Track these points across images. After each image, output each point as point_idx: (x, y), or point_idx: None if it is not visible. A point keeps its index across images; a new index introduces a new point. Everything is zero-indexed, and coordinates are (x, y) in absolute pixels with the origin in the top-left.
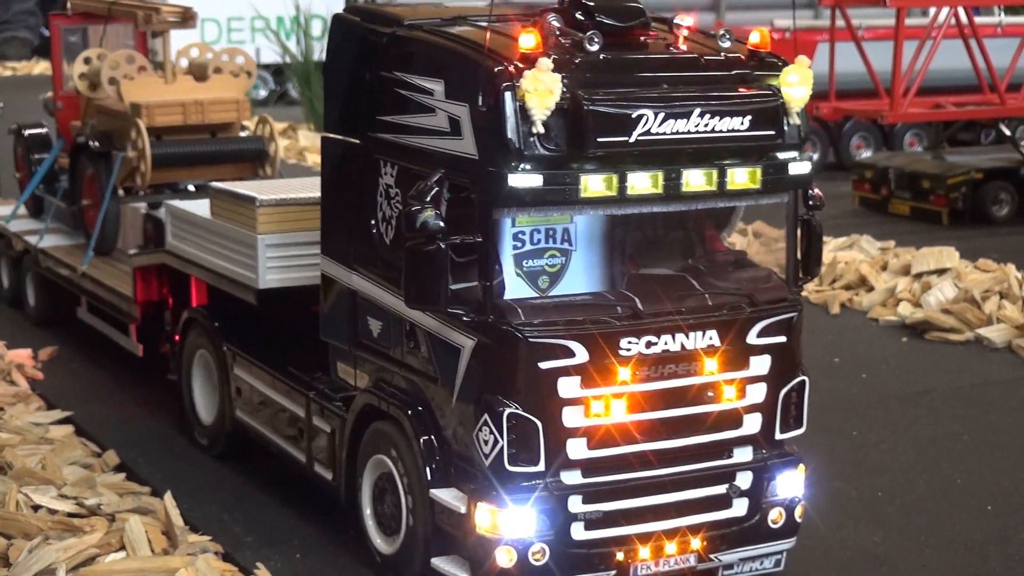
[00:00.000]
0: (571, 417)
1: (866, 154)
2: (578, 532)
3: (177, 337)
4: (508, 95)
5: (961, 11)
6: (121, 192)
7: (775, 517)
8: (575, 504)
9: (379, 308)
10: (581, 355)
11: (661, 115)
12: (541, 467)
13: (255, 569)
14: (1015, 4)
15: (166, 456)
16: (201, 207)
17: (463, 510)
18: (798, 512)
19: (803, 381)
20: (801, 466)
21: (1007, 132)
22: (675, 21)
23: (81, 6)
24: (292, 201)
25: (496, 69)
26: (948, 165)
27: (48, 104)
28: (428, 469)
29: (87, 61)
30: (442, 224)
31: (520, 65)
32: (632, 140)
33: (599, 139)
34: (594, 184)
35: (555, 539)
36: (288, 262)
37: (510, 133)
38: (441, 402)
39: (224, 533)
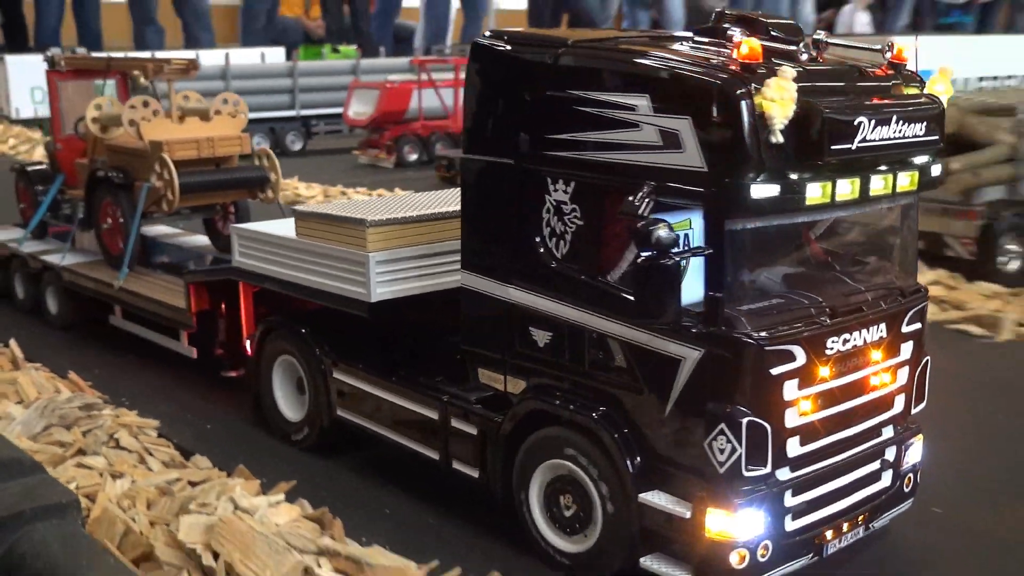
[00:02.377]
0: (791, 418)
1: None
2: (789, 524)
3: (246, 343)
4: (745, 105)
5: None
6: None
7: (907, 482)
8: (788, 499)
9: (547, 320)
10: (800, 358)
11: (873, 122)
12: (768, 468)
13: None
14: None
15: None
16: (268, 228)
17: (687, 515)
18: (918, 474)
19: (928, 360)
20: (920, 435)
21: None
22: (816, 37)
23: (75, 62)
24: (398, 220)
25: (732, 80)
26: None
27: (49, 146)
28: (632, 475)
29: (98, 107)
30: (675, 238)
31: (750, 75)
32: (854, 147)
33: (832, 147)
34: (814, 191)
35: (774, 534)
36: (394, 276)
37: (748, 143)
38: (646, 411)
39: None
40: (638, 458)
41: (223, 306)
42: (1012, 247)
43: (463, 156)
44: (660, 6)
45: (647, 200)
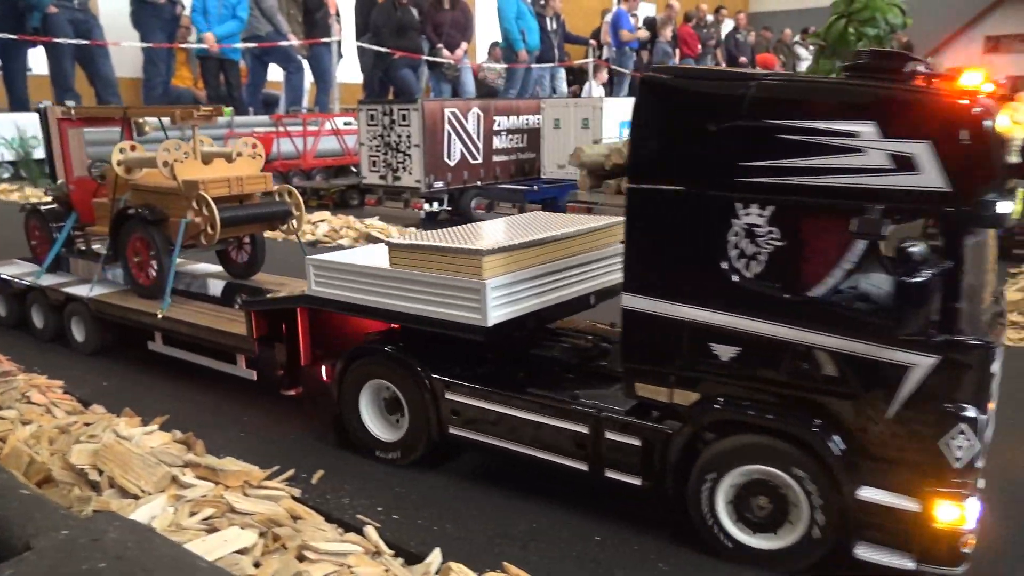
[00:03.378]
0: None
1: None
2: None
3: (322, 367)
4: (991, 128)
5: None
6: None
7: None
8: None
9: (732, 335)
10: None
11: None
12: (983, 459)
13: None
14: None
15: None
16: (345, 258)
17: (916, 508)
18: None
19: None
20: None
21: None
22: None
23: (86, 112)
24: (509, 248)
25: (977, 105)
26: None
27: (61, 187)
28: (846, 476)
29: (122, 151)
30: (929, 254)
31: (985, 101)
32: None
33: None
34: (1015, 204)
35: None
36: (506, 300)
37: (994, 163)
38: (860, 416)
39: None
40: (850, 459)
41: (283, 331)
42: None
43: (629, 186)
44: (457, 80)
45: (881, 220)
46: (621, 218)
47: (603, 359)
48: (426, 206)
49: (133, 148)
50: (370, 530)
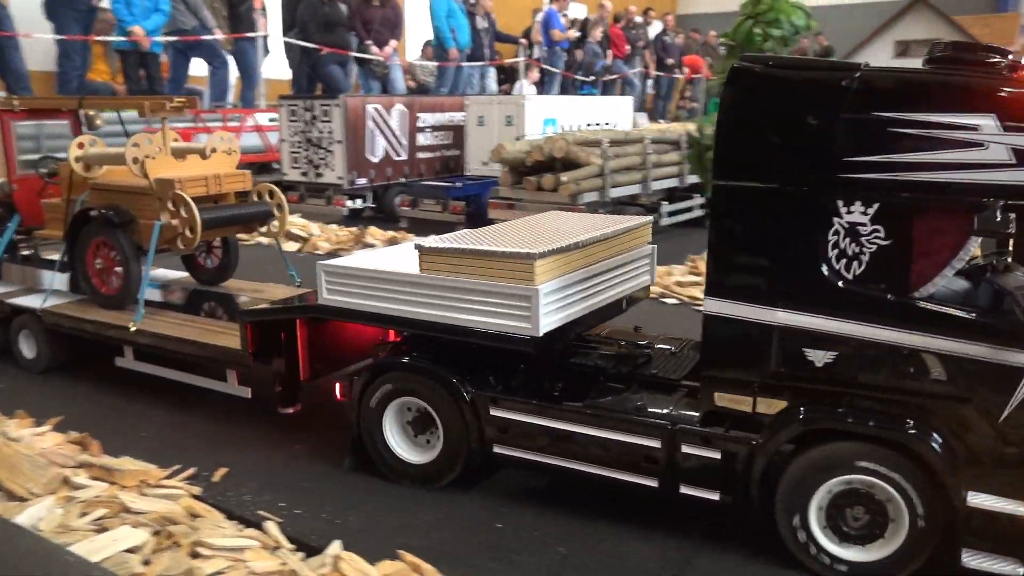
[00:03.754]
0: None
1: None
2: None
3: (336, 384)
4: None
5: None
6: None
7: None
8: None
9: (830, 339)
10: None
11: None
12: None
13: None
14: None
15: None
16: (362, 263)
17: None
18: None
19: None
20: None
21: None
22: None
23: (32, 103)
24: (560, 250)
25: None
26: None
27: (3, 187)
28: (953, 480)
29: (81, 146)
30: None
31: None
32: None
33: None
34: None
35: None
36: (555, 306)
37: None
38: (970, 420)
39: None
40: (956, 464)
41: (281, 344)
42: None
43: (716, 183)
44: (387, 77)
45: (1005, 217)
46: (650, 217)
47: (649, 367)
48: (348, 203)
49: (93, 143)
50: (270, 525)
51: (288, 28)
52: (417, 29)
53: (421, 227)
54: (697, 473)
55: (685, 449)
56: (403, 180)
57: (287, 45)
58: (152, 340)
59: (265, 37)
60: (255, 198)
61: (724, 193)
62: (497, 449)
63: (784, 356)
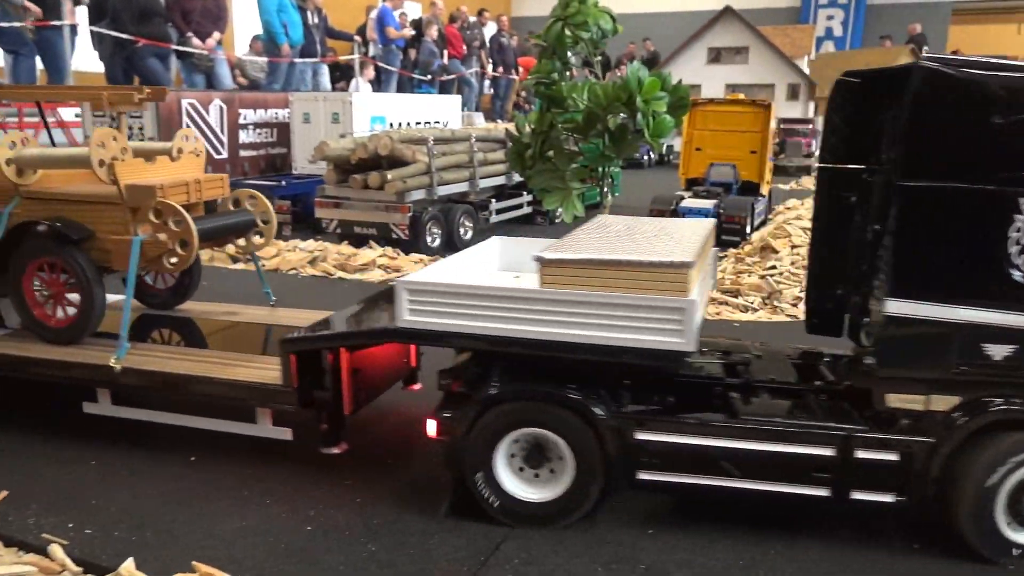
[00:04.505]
0: None
1: None
2: None
3: (432, 422)
4: None
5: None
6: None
7: None
8: None
9: (1013, 334)
10: None
11: None
12: None
13: None
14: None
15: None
16: (447, 278)
17: None
18: None
19: None
20: None
21: None
22: None
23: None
24: (699, 257)
25: None
26: None
27: None
28: None
29: (12, 146)
30: None
31: None
32: None
33: None
34: None
35: None
36: (697, 317)
37: None
38: None
39: None
40: None
41: (323, 375)
42: (434, 230)
43: (900, 184)
44: (212, 71)
45: None
46: (712, 221)
47: (756, 373)
48: None
49: (25, 142)
50: (55, 548)
51: (98, 17)
52: (244, 23)
53: None
54: (872, 477)
55: (860, 454)
56: None
57: (98, 36)
58: (146, 380)
59: (73, 26)
60: (231, 206)
61: (909, 194)
62: (642, 476)
63: (962, 352)
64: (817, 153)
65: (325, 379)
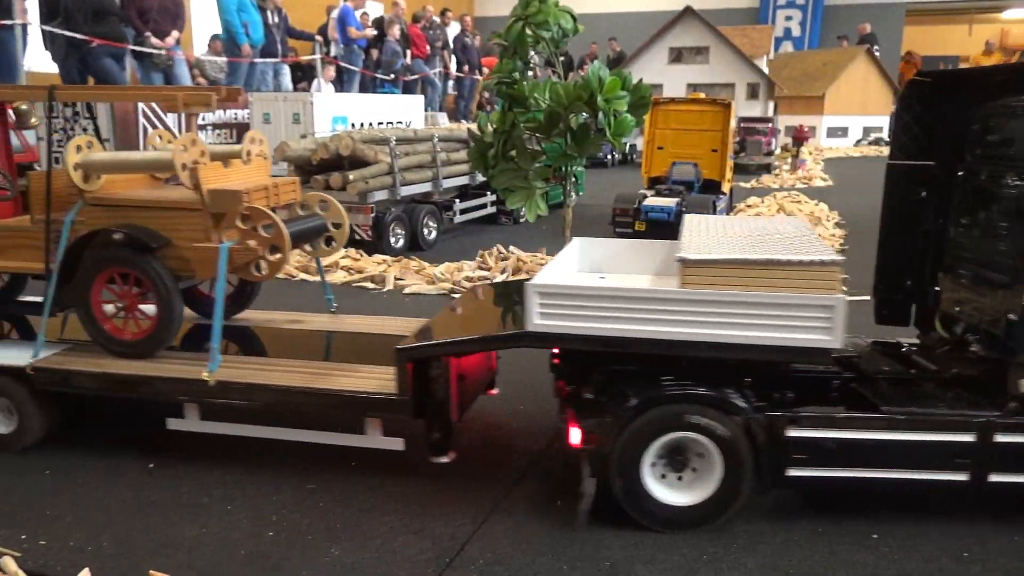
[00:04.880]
0: None
1: None
2: None
3: (576, 430)
4: None
5: None
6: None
7: None
8: None
9: None
10: None
11: None
12: None
13: None
14: None
15: None
16: (579, 281)
17: None
18: None
19: None
20: None
21: None
22: None
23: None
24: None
25: None
26: None
27: None
28: None
29: (79, 149)
30: None
31: None
32: None
33: None
34: None
35: None
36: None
37: None
38: None
39: None
40: None
41: (433, 383)
42: (398, 231)
43: None
44: (170, 71)
45: None
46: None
47: (866, 365)
48: None
49: (90, 145)
50: (8, 560)
51: (50, 16)
52: (203, 22)
53: None
54: (1011, 461)
55: (999, 438)
56: None
57: (50, 36)
58: (244, 394)
59: (24, 26)
60: (299, 210)
61: None
62: (792, 472)
63: None
64: (775, 151)
65: (434, 387)
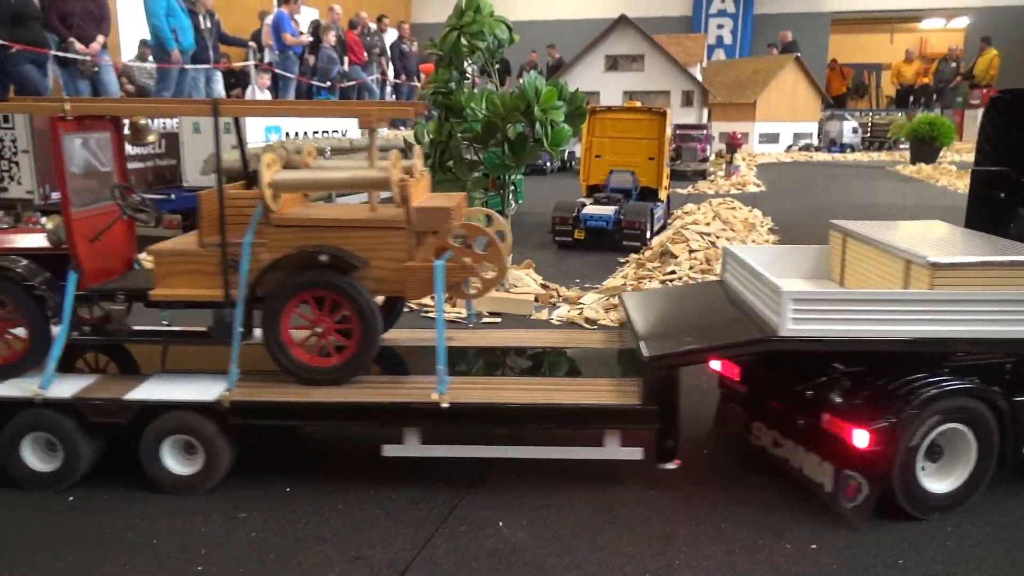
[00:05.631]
0: None
1: None
2: None
3: (863, 432)
4: None
5: None
6: None
7: None
8: None
9: None
10: None
11: None
12: None
13: None
14: None
15: None
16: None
17: None
18: None
19: None
20: None
21: None
22: None
23: (86, 108)
24: None
25: None
26: None
27: (59, 229)
28: None
29: (269, 166)
30: None
31: None
32: None
33: None
34: None
35: None
36: None
37: None
38: None
39: None
40: None
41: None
42: None
43: None
44: (97, 77)
45: None
46: None
47: None
48: (43, 220)
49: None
50: None
51: None
52: (130, 27)
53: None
54: None
55: None
56: None
57: None
58: (483, 415)
59: None
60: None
61: None
62: None
63: None
64: (710, 157)
65: (670, 395)
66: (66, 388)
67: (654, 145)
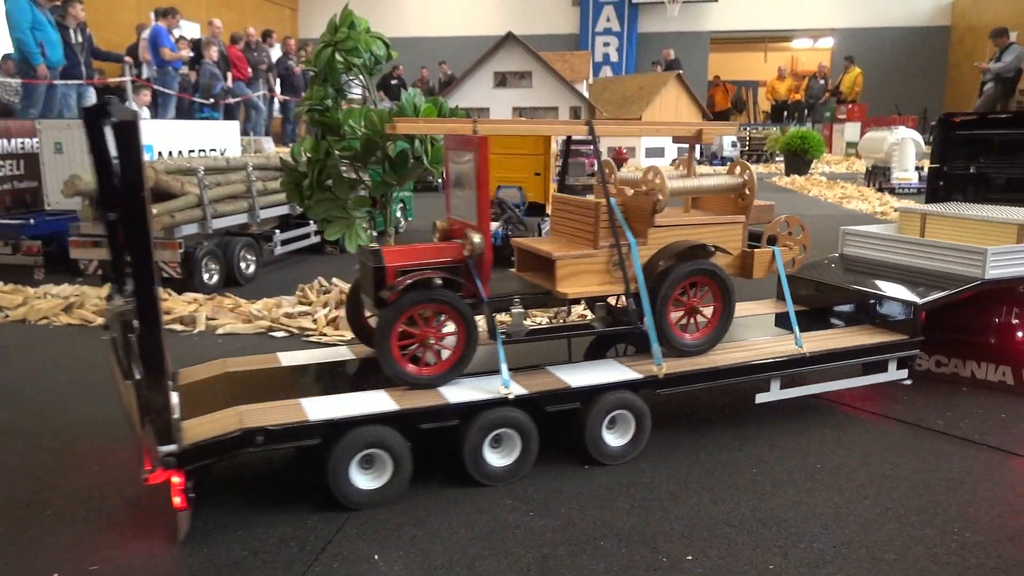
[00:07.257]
0: None
1: None
2: None
3: None
4: None
5: None
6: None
7: None
8: None
9: None
10: None
11: None
12: None
13: None
14: None
15: None
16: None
17: None
18: None
19: None
20: None
21: None
22: None
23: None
24: None
25: None
26: None
27: (475, 248)
28: None
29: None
30: None
31: None
32: None
33: None
34: None
35: None
36: None
37: None
38: None
39: None
40: None
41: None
42: (211, 266)
43: None
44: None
45: None
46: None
47: None
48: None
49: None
50: None
51: None
52: None
53: None
54: None
55: None
56: None
57: None
58: (833, 359)
59: None
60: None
61: None
62: None
63: None
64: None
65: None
66: (514, 387)
67: (540, 161)
